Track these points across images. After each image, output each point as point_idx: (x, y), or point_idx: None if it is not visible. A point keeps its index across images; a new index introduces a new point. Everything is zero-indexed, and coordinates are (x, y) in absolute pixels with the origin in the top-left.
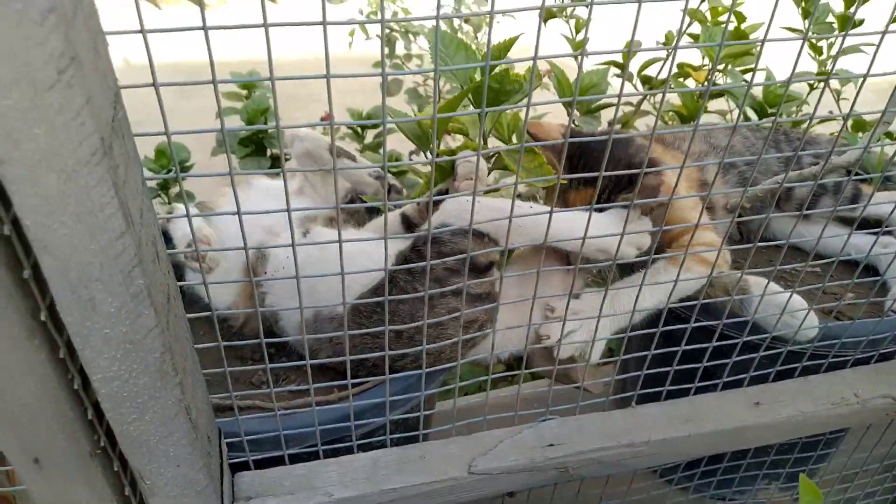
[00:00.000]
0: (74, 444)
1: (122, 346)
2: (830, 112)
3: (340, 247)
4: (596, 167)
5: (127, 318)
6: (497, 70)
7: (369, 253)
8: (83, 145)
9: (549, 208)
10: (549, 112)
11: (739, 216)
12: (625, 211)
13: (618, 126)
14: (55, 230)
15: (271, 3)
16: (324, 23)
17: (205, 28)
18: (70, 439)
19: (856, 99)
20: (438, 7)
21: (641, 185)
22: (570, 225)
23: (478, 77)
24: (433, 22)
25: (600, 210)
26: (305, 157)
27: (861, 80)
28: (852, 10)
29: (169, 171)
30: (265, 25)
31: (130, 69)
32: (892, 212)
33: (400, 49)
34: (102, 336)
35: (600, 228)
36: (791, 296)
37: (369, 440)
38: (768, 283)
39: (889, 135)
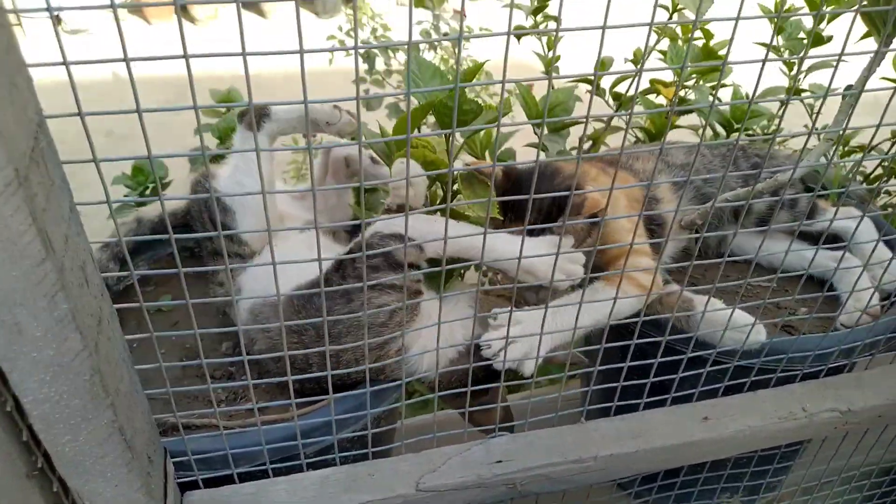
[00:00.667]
0: (10, 466)
1: (50, 370)
2: (805, 126)
3: (275, 269)
4: (526, 202)
5: (53, 342)
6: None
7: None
8: None
9: (481, 229)
10: (519, 129)
11: (696, 232)
12: (556, 240)
13: (588, 144)
14: None
15: (261, 18)
16: (243, 53)
17: (126, 60)
18: (5, 461)
19: (777, 113)
20: (411, 31)
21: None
22: (499, 244)
23: (447, 100)
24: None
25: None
26: (340, 163)
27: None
28: (822, 26)
29: (146, 189)
30: (185, 56)
31: (119, 83)
32: (830, 224)
33: (380, 65)
34: (30, 359)
35: (529, 250)
36: (733, 311)
37: (324, 458)
38: (708, 299)
39: (861, 149)
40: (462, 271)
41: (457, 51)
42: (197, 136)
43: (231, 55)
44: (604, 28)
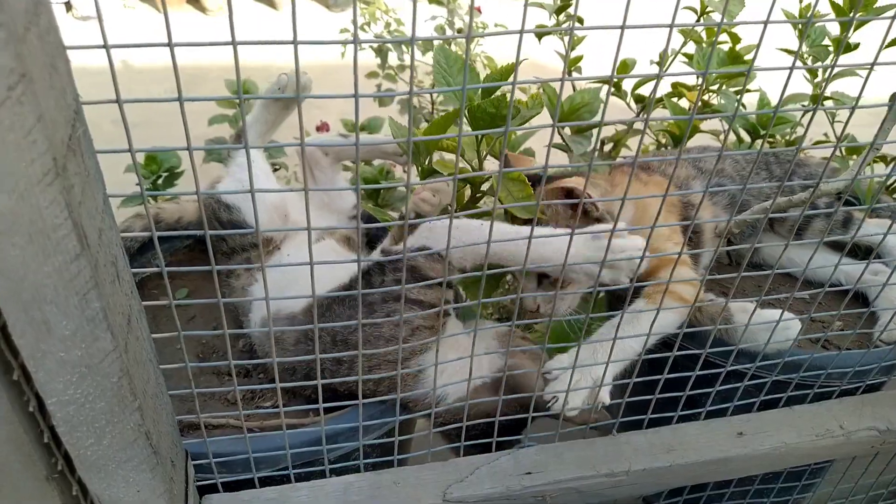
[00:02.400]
0: (30, 468)
1: (77, 370)
2: (825, 134)
3: (312, 269)
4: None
5: (83, 342)
6: (496, 94)
7: (334, 271)
8: (35, 164)
9: (527, 230)
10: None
11: (729, 242)
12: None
13: (609, 146)
14: (7, 251)
15: (273, 10)
16: (294, 42)
17: (170, 45)
18: (25, 462)
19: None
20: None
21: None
22: (551, 247)
23: (477, 98)
24: (425, 32)
25: None
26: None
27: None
28: (847, 33)
29: (158, 178)
30: (233, 43)
31: (129, 71)
32: (883, 238)
33: (393, 60)
34: (57, 359)
35: (580, 251)
36: (754, 310)
37: (345, 464)
38: (755, 308)
39: (883, 158)
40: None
41: (469, 46)
42: (210, 126)
43: (284, 43)
44: (623, 27)
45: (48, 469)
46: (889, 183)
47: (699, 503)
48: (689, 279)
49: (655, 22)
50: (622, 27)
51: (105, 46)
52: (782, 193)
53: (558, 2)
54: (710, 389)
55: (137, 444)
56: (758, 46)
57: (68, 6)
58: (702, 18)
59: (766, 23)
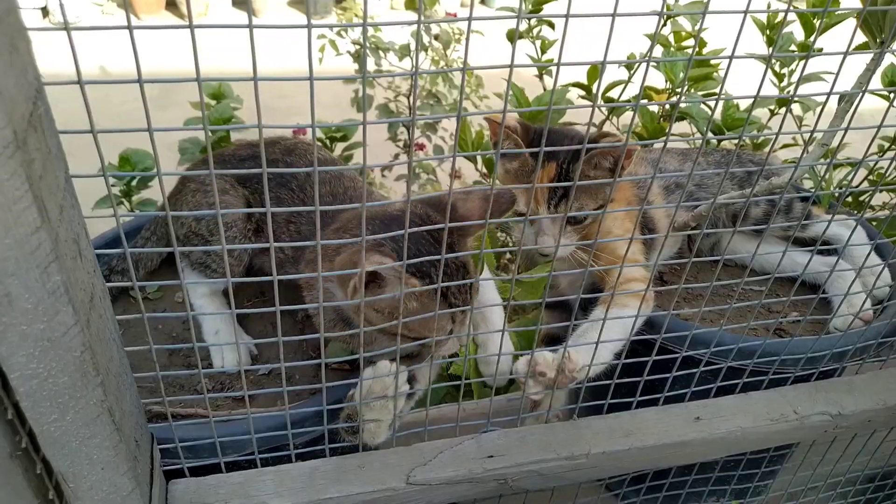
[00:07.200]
0: None
1: (39, 344)
2: (794, 139)
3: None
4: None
5: (44, 315)
6: None
7: None
8: None
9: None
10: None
11: (690, 239)
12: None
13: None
14: None
15: (253, 17)
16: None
17: (129, 26)
18: None
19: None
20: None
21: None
22: None
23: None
24: (402, 40)
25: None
26: None
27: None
28: (812, 38)
29: (133, 178)
30: (191, 27)
31: (106, 77)
32: (826, 227)
33: (370, 65)
34: (20, 332)
35: None
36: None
37: (313, 448)
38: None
39: (850, 165)
40: None
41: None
42: (186, 125)
43: (238, 27)
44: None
45: (12, 446)
46: (853, 185)
47: (661, 490)
48: (642, 282)
49: (619, 32)
50: (566, 16)
51: (66, 28)
52: (738, 185)
53: (529, 6)
54: (667, 375)
55: (100, 421)
56: (699, 31)
57: (45, 11)
58: (668, 23)
59: (704, 13)
